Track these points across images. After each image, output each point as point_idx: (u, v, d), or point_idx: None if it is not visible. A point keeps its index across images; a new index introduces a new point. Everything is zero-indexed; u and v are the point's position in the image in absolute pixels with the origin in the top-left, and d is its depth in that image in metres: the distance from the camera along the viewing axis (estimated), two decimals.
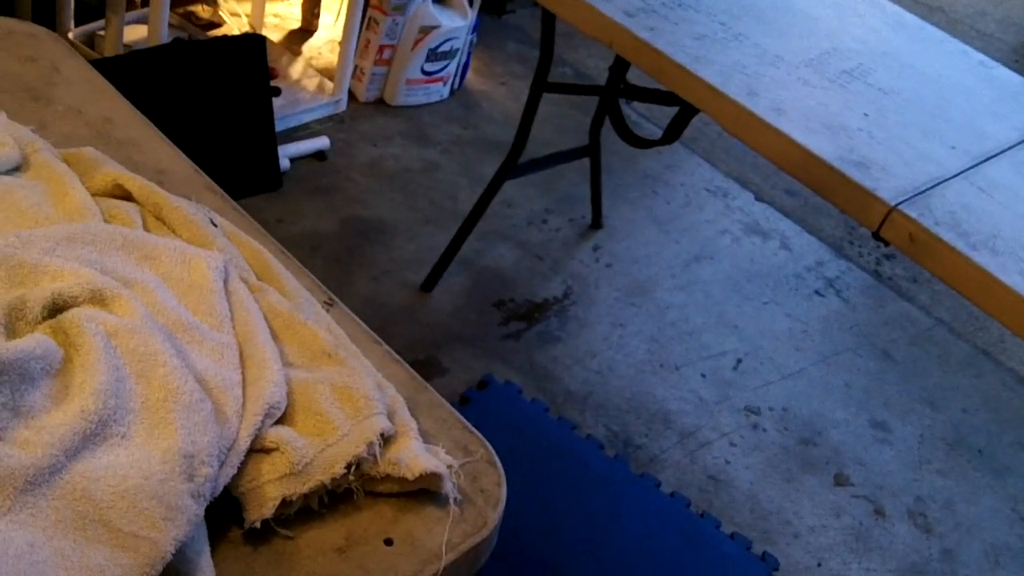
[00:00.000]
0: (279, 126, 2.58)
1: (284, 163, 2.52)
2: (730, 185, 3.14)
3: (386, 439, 0.84)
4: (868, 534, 2.15)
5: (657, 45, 1.67)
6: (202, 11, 2.81)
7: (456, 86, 3.08)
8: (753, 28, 1.84)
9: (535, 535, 1.91)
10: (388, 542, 0.81)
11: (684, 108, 2.12)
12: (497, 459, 0.89)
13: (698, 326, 2.55)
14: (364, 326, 1.02)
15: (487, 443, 0.90)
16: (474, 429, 0.91)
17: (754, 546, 2.03)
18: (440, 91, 3.00)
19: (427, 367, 2.16)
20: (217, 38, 2.50)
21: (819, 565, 2.05)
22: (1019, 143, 1.77)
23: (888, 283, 2.93)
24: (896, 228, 1.45)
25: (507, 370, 2.23)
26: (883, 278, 2.95)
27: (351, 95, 2.88)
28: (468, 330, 2.29)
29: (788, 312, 2.70)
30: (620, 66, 2.22)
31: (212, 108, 2.32)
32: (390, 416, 0.86)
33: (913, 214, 1.43)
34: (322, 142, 2.64)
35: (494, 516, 0.84)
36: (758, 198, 3.11)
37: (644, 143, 2.32)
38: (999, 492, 2.37)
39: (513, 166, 2.27)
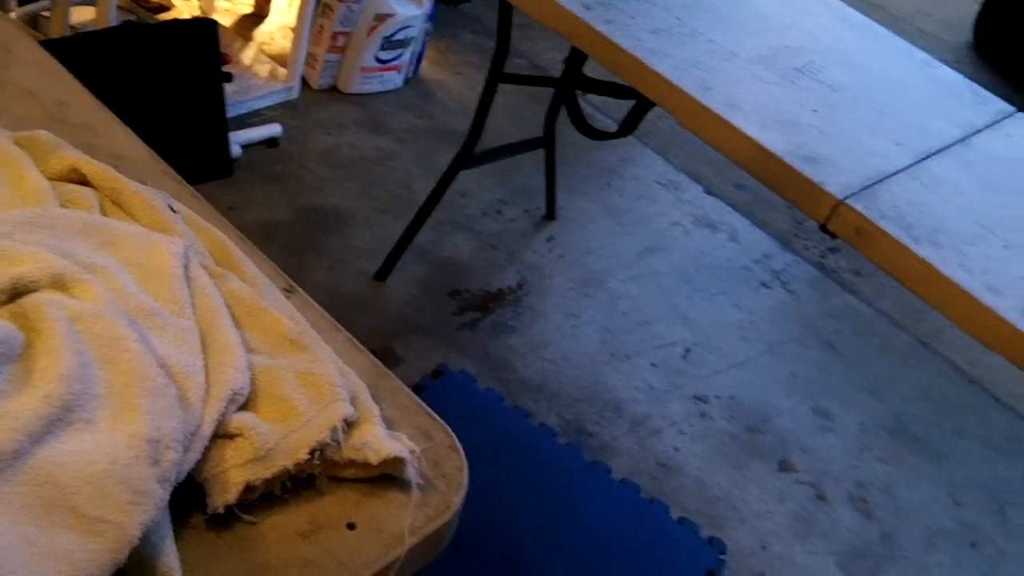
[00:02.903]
0: (230, 112, 2.56)
1: (235, 150, 2.50)
2: (682, 179, 3.18)
3: (349, 424, 0.85)
4: (811, 518, 2.20)
5: (615, 38, 1.69)
6: None
7: (411, 75, 3.07)
8: (708, 23, 1.87)
9: (490, 521, 1.93)
10: (351, 526, 0.82)
11: (640, 102, 2.15)
12: (459, 444, 0.90)
13: (649, 316, 2.59)
14: (325, 313, 1.03)
15: (448, 429, 0.91)
16: (435, 415, 0.93)
17: (702, 530, 2.07)
18: (395, 80, 3.00)
19: (382, 357, 2.15)
20: (168, 21, 2.48)
21: (764, 549, 2.09)
22: (960, 140, 1.82)
23: (832, 276, 2.99)
24: (843, 221, 1.48)
25: (462, 359, 2.24)
26: (828, 271, 3.01)
27: (304, 82, 2.87)
28: (423, 319, 2.30)
29: (736, 303, 2.74)
30: (577, 58, 2.24)
31: (162, 93, 2.30)
32: (353, 402, 0.87)
33: (860, 208, 1.47)
34: (274, 129, 2.63)
35: (456, 500, 0.86)
36: (708, 191, 3.15)
37: (600, 135, 2.35)
38: (936, 478, 2.44)
39: (469, 156, 2.28)
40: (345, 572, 0.78)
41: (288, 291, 1.03)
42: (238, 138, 2.53)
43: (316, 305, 1.04)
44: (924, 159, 1.70)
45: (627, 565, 1.93)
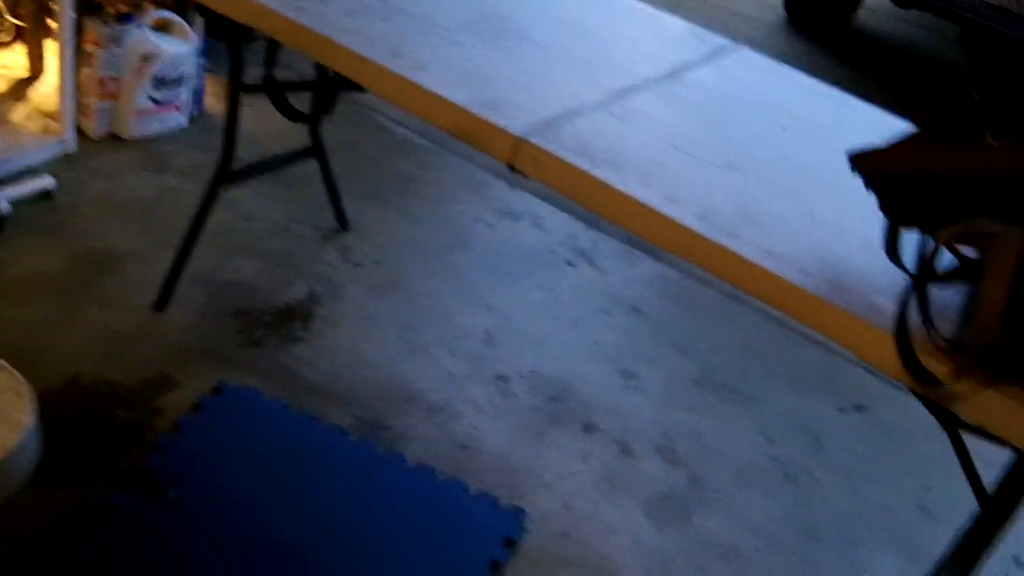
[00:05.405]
0: (0, 171, 2.53)
1: (3, 206, 2.46)
2: (485, 176, 3.21)
3: None
4: (616, 473, 2.22)
5: (302, 22, 1.71)
6: None
7: (196, 112, 3.07)
8: (411, 2, 1.90)
9: (288, 527, 1.90)
10: None
11: (330, 80, 2.33)
12: (26, 391, 0.89)
13: (450, 309, 2.60)
14: None
15: (17, 375, 0.90)
16: (9, 366, 0.92)
17: (501, 501, 2.07)
18: (177, 119, 2.98)
19: (159, 384, 2.12)
20: None
21: (567, 509, 2.10)
22: (668, 75, 1.88)
23: (640, 245, 3.04)
24: (525, 158, 1.51)
25: (248, 376, 2.21)
26: (635, 242, 3.06)
27: (83, 133, 2.84)
28: (205, 343, 2.27)
29: (540, 285, 2.78)
30: (272, 49, 2.33)
31: None
32: None
33: (538, 142, 1.50)
34: (45, 181, 2.59)
35: (14, 438, 0.85)
36: (512, 186, 3.19)
37: (299, 116, 2.46)
38: (747, 420, 2.48)
39: (226, 173, 2.28)
40: None
41: None
42: (6, 195, 2.49)
43: None
44: (623, 95, 1.75)
45: (419, 546, 1.92)
